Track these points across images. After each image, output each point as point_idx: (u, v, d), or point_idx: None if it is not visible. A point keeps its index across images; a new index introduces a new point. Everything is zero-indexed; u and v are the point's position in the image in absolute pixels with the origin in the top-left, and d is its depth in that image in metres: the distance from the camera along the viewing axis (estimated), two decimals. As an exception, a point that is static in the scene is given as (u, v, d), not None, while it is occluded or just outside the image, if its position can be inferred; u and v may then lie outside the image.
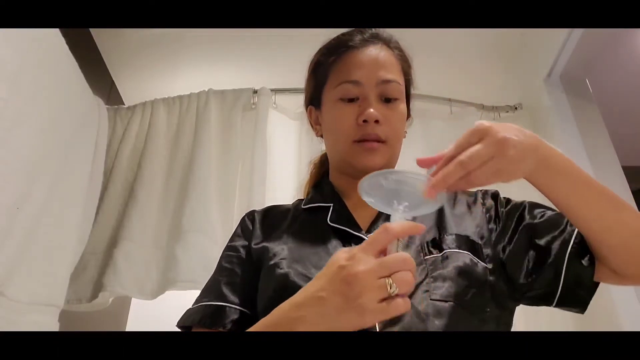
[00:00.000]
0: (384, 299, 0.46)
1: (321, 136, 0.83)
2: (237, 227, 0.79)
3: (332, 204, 0.75)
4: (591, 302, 0.63)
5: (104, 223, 1.43)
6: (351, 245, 0.66)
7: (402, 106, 0.76)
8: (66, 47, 1.12)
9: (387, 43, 0.78)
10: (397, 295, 0.46)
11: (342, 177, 0.79)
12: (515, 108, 1.77)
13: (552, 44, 1.58)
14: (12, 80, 0.91)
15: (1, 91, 0.88)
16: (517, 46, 1.78)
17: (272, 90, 1.64)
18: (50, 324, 1.06)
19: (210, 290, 0.71)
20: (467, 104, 1.72)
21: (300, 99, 1.68)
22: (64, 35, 1.10)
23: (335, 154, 0.79)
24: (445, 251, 0.65)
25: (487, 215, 0.72)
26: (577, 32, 1.47)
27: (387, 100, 0.73)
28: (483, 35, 1.74)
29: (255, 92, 1.64)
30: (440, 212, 0.72)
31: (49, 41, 1.05)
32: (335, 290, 0.48)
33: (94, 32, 1.70)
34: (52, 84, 1.06)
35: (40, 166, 1.01)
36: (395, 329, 0.56)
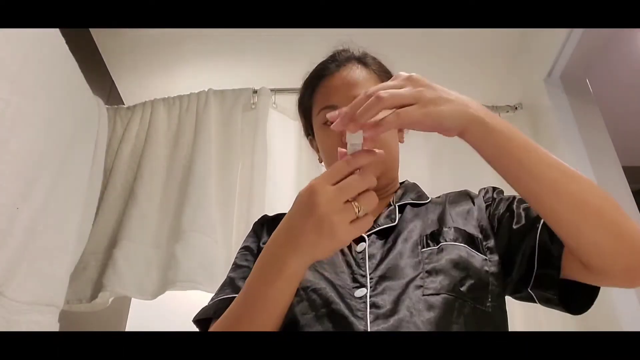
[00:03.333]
0: (353, 220, 0.51)
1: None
2: (250, 231, 0.84)
3: None
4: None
5: (104, 223, 1.43)
6: (349, 243, 0.68)
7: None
8: (66, 47, 1.12)
9: (362, 61, 0.80)
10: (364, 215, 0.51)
11: None
12: (516, 108, 1.77)
13: (552, 44, 1.58)
14: (12, 81, 0.91)
15: (1, 91, 0.88)
16: (517, 46, 1.78)
17: (272, 90, 1.64)
18: (50, 324, 1.06)
19: (225, 286, 0.73)
20: (467, 104, 1.72)
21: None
22: (64, 35, 1.10)
23: None
24: (441, 244, 0.65)
25: (486, 205, 0.74)
26: (577, 32, 1.47)
27: None
28: (483, 35, 1.74)
29: (255, 92, 1.64)
30: (443, 209, 0.73)
31: (49, 41, 1.05)
32: (305, 228, 0.52)
33: (94, 32, 1.70)
34: (52, 84, 1.06)
35: (40, 166, 1.01)
36: (388, 323, 0.57)
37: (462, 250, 0.64)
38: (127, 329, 1.75)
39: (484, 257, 0.65)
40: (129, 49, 1.79)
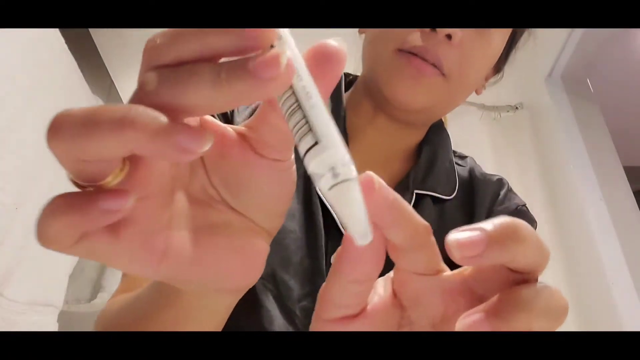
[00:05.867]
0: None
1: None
2: None
3: None
4: (591, 301, 0.63)
5: (104, 223, 1.43)
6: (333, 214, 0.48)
7: (498, 41, 0.56)
8: (66, 47, 1.12)
9: None
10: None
11: (361, 102, 0.57)
12: (516, 108, 1.76)
13: (553, 44, 1.57)
14: (11, 80, 0.91)
15: (0, 91, 0.88)
16: (518, 46, 1.78)
17: (272, 90, 1.64)
18: (49, 324, 1.06)
19: None
20: (467, 104, 1.72)
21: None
22: (64, 35, 1.10)
23: (367, 59, 0.54)
24: None
25: None
26: (577, 32, 1.47)
27: None
28: (483, 35, 1.73)
29: (255, 92, 1.64)
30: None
31: (48, 41, 1.05)
32: None
33: (94, 32, 1.70)
34: (52, 84, 1.06)
35: (40, 166, 1.01)
36: None
37: None
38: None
39: None
40: (129, 49, 1.78)
